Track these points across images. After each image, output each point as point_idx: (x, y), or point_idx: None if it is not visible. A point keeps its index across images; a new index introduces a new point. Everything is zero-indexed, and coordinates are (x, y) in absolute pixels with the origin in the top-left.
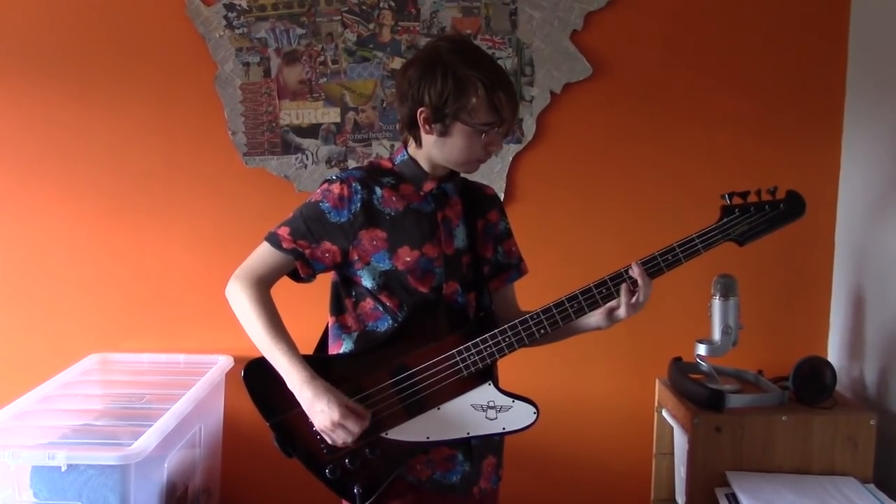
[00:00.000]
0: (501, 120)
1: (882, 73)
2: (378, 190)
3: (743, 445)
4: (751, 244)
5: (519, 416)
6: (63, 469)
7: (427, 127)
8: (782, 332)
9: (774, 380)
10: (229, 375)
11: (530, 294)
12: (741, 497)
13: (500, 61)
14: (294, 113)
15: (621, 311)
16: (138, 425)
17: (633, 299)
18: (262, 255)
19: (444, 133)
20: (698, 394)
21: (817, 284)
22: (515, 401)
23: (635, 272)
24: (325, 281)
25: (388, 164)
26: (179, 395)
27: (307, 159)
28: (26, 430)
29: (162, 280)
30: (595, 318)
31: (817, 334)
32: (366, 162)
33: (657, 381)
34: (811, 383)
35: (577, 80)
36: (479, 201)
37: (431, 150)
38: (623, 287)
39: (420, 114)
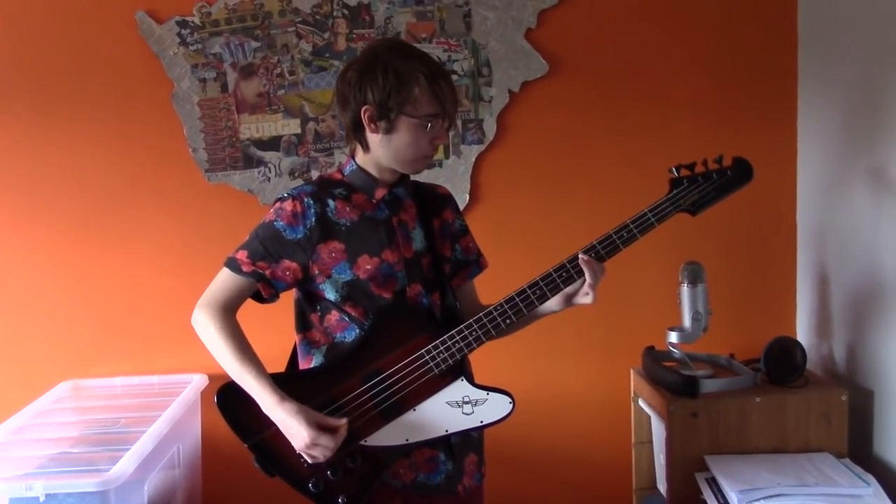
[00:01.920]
0: (444, 110)
1: (831, 53)
2: (331, 202)
3: (720, 429)
4: (714, 227)
5: (495, 407)
6: (42, 500)
7: (373, 125)
8: (751, 314)
9: (746, 362)
10: (204, 394)
11: (498, 289)
12: (721, 480)
13: (456, 63)
14: (254, 126)
15: (583, 299)
16: (115, 450)
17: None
18: (224, 281)
19: (389, 130)
20: (672, 381)
21: (782, 265)
22: (490, 393)
23: (581, 258)
24: (290, 299)
25: (338, 176)
26: (155, 417)
27: (270, 172)
28: (2, 461)
29: (130, 301)
30: (551, 303)
31: (785, 315)
32: (324, 171)
33: (632, 370)
34: (782, 363)
35: (534, 77)
36: (432, 201)
37: (379, 151)
38: (591, 278)
39: (364, 112)
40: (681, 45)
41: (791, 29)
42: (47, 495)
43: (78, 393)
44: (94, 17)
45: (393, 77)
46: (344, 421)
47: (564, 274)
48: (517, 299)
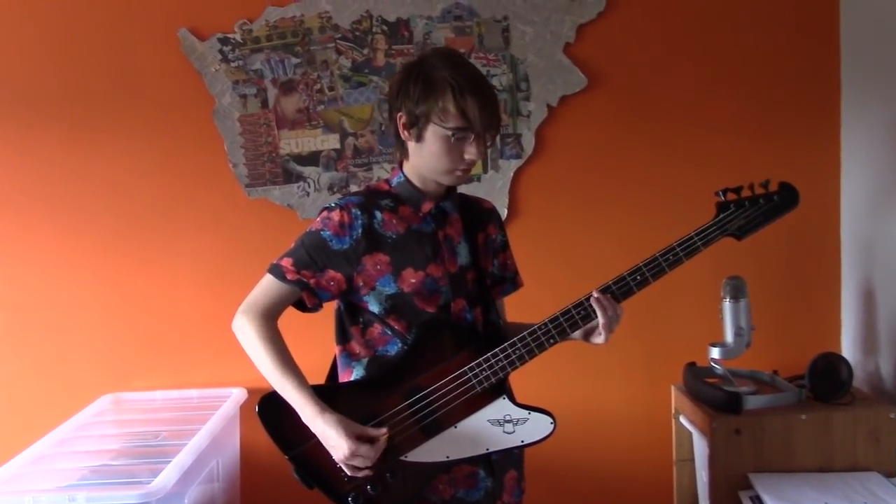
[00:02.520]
0: (470, 125)
1: (874, 66)
2: (378, 214)
3: (763, 446)
4: (757, 242)
5: (536, 427)
6: None
7: (406, 132)
8: (795, 330)
9: (790, 379)
10: (243, 408)
11: (539, 306)
12: (765, 498)
13: (494, 78)
14: (294, 142)
15: (596, 339)
16: (156, 463)
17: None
18: (267, 287)
19: (419, 138)
20: (715, 397)
21: (827, 280)
22: (531, 412)
23: (594, 298)
24: (330, 311)
25: (386, 187)
26: (195, 431)
27: (309, 187)
28: (45, 473)
29: (170, 316)
30: (578, 333)
31: (830, 330)
32: (363, 186)
33: (672, 387)
34: (827, 380)
35: (572, 92)
36: (478, 216)
37: (414, 159)
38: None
39: (399, 119)
40: (721, 60)
41: (834, 42)
42: None
43: (119, 406)
44: (138, 34)
45: (423, 84)
46: (384, 430)
47: (610, 295)
48: (561, 318)
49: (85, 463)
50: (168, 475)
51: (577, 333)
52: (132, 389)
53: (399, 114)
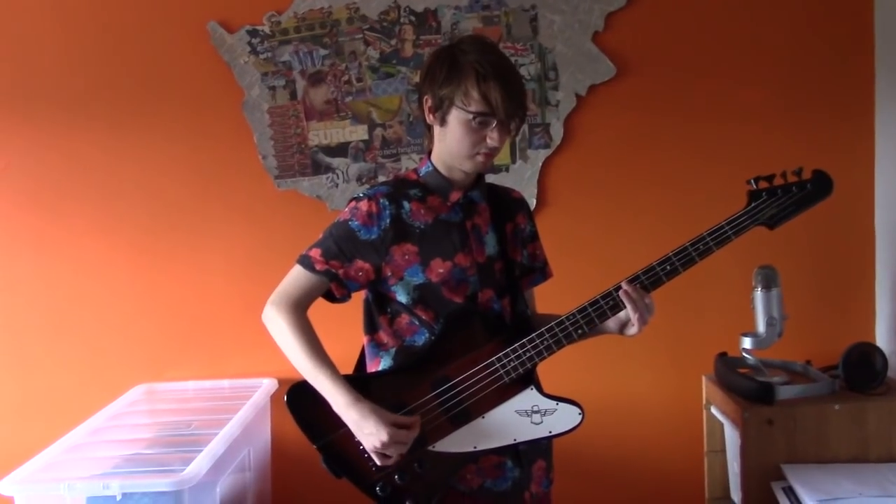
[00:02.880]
0: (493, 111)
1: None
2: (406, 204)
3: (796, 437)
4: (789, 230)
5: (564, 418)
6: (118, 498)
7: (431, 116)
8: (828, 320)
9: (823, 369)
10: (274, 398)
11: (565, 296)
12: (799, 490)
13: (523, 67)
14: (322, 133)
15: (629, 330)
16: (188, 451)
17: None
18: (296, 278)
19: (443, 122)
20: (747, 387)
21: (860, 269)
22: (559, 403)
23: (626, 288)
24: (358, 301)
25: (414, 177)
26: (226, 420)
27: (338, 178)
28: (79, 462)
29: (202, 307)
30: (610, 323)
31: (863, 320)
32: (391, 176)
33: (703, 377)
34: (862, 370)
35: (601, 81)
36: (506, 205)
37: (439, 145)
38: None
39: (425, 102)
40: (751, 48)
41: (867, 29)
42: (124, 494)
43: (152, 396)
44: (167, 28)
45: (448, 67)
46: (417, 418)
47: (639, 285)
48: (590, 308)
49: (119, 451)
50: (200, 464)
51: (612, 325)
52: (165, 380)
53: (426, 97)
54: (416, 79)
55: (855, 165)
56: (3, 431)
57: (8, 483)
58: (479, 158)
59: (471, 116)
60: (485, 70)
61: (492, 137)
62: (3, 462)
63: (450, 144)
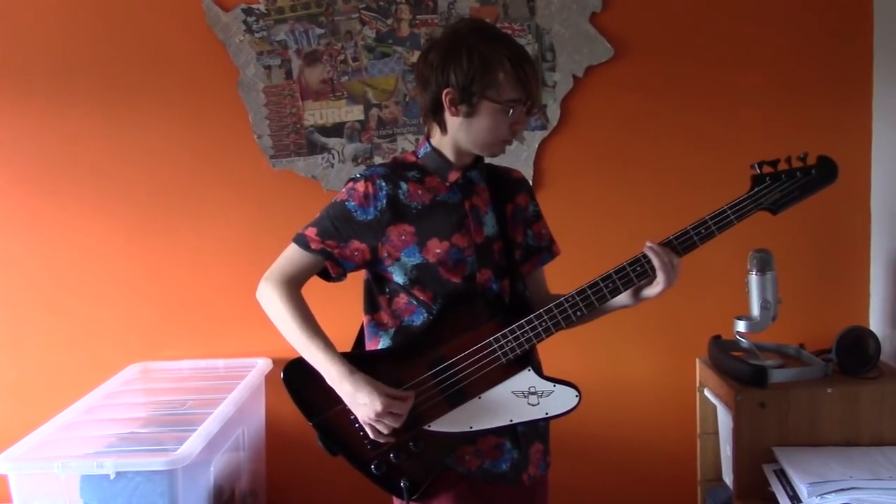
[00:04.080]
0: (528, 95)
1: None
2: (403, 185)
3: (789, 420)
4: (784, 214)
5: (561, 400)
6: (112, 477)
7: (453, 108)
8: (822, 304)
9: (817, 353)
10: (269, 378)
11: (563, 278)
12: (790, 472)
13: None
14: (318, 113)
15: (653, 290)
16: (182, 431)
17: (662, 277)
18: (291, 256)
19: (470, 114)
20: (740, 371)
21: (855, 254)
22: (556, 385)
23: (656, 250)
24: (359, 281)
25: (412, 158)
26: (221, 400)
27: (333, 158)
28: (74, 440)
29: (197, 287)
30: (623, 297)
31: (858, 304)
32: (389, 158)
33: (697, 360)
34: (855, 354)
35: (599, 62)
36: (506, 186)
37: (457, 134)
38: (657, 262)
39: (446, 95)
40: (750, 31)
41: (867, 12)
42: (117, 473)
43: (147, 375)
44: (162, 6)
45: (478, 61)
46: (412, 393)
47: (639, 268)
48: (589, 291)
49: (113, 430)
50: (194, 443)
51: (621, 300)
52: (160, 359)
53: (446, 90)
54: (413, 59)
55: (852, 149)
56: None
57: (2, 461)
58: (504, 144)
59: (505, 106)
60: (517, 57)
61: (520, 122)
62: None
63: (476, 134)
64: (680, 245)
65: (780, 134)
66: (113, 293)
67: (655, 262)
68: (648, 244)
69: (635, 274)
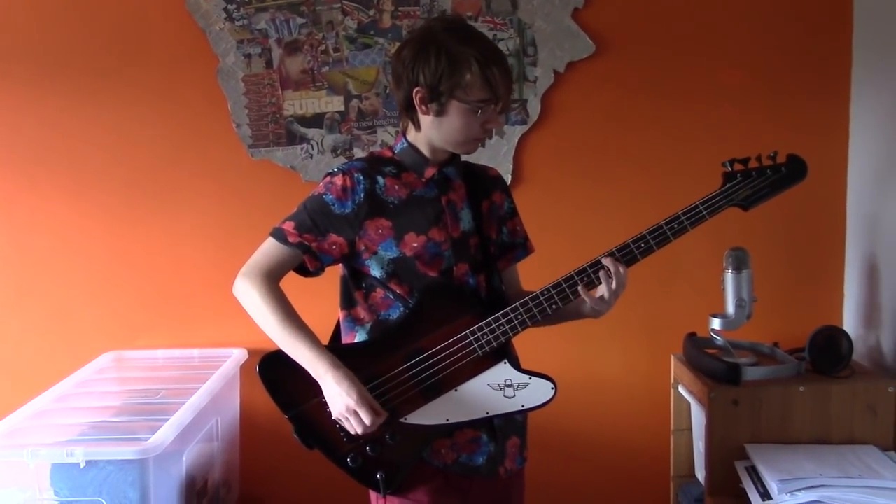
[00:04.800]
0: (496, 96)
1: (888, 37)
2: (381, 179)
3: (761, 418)
4: (760, 213)
5: (537, 392)
6: (82, 466)
7: (423, 107)
8: (797, 303)
9: (790, 351)
10: (244, 368)
11: (540, 274)
12: (761, 469)
13: (501, 42)
14: (298, 103)
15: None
16: (155, 420)
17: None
18: (269, 250)
19: (440, 112)
20: (714, 368)
21: (830, 254)
22: (532, 377)
23: (606, 261)
24: (335, 275)
25: (389, 154)
26: (195, 390)
27: (313, 149)
28: (44, 428)
29: (173, 276)
30: (588, 305)
31: (832, 304)
32: (366, 149)
33: (672, 357)
34: (827, 353)
35: (580, 58)
36: (482, 183)
37: (430, 131)
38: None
39: (416, 94)
40: (731, 30)
41: (846, 11)
42: (88, 462)
43: (120, 364)
44: None
45: (446, 60)
46: (385, 414)
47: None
48: (564, 285)
49: (85, 419)
50: (166, 432)
51: (584, 308)
52: (134, 348)
53: (416, 89)
54: (396, 61)
55: (829, 148)
56: None
57: None
58: (478, 142)
59: (473, 106)
60: (486, 58)
61: (493, 121)
62: None
63: (447, 133)
64: (654, 239)
65: (758, 131)
66: (87, 280)
67: (604, 282)
68: (603, 261)
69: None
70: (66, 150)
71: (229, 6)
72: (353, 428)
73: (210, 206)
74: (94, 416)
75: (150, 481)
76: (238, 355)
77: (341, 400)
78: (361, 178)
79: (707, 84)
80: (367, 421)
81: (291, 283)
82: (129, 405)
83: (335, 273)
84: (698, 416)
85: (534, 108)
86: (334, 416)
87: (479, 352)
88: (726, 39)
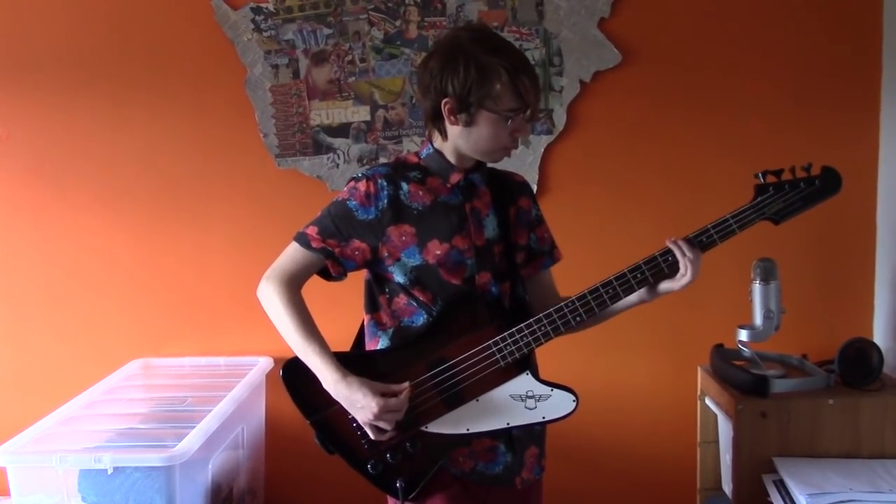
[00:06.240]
0: (526, 105)
1: None
2: (404, 185)
3: (789, 431)
4: (789, 224)
5: (558, 404)
6: (109, 472)
7: (452, 118)
8: (826, 315)
9: (819, 364)
10: (269, 377)
11: (565, 283)
12: (789, 483)
13: (527, 52)
14: (324, 113)
15: (672, 285)
16: (182, 427)
17: (682, 275)
18: (292, 254)
19: (469, 122)
20: (742, 380)
21: (860, 265)
22: (554, 389)
23: (683, 246)
24: (360, 280)
25: (415, 159)
26: (221, 397)
27: (339, 158)
28: (72, 434)
29: (200, 285)
30: (636, 294)
31: (862, 316)
32: (392, 158)
33: (699, 368)
34: (857, 366)
35: (606, 67)
36: (508, 189)
37: (458, 140)
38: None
39: (444, 105)
40: (758, 39)
41: (876, 22)
42: (115, 468)
43: (148, 371)
44: (171, 3)
45: (475, 71)
46: (407, 384)
47: (639, 275)
48: (589, 297)
49: (112, 425)
50: (192, 440)
51: (638, 294)
52: (161, 355)
53: (444, 99)
54: (423, 70)
55: (859, 160)
56: None
57: (0, 453)
58: (506, 150)
59: (503, 116)
60: (515, 67)
61: (521, 129)
62: None
63: (476, 142)
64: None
65: (787, 144)
66: (116, 289)
67: (678, 255)
68: (672, 240)
69: (636, 281)
70: (94, 160)
71: (257, 17)
72: (387, 426)
73: (237, 215)
74: (122, 423)
75: (176, 488)
76: (264, 364)
77: (366, 409)
78: (385, 184)
79: (734, 96)
80: (398, 409)
81: (313, 290)
82: (156, 412)
83: (358, 282)
84: (725, 429)
85: (560, 118)
86: (362, 424)
87: (502, 362)
88: (753, 50)
